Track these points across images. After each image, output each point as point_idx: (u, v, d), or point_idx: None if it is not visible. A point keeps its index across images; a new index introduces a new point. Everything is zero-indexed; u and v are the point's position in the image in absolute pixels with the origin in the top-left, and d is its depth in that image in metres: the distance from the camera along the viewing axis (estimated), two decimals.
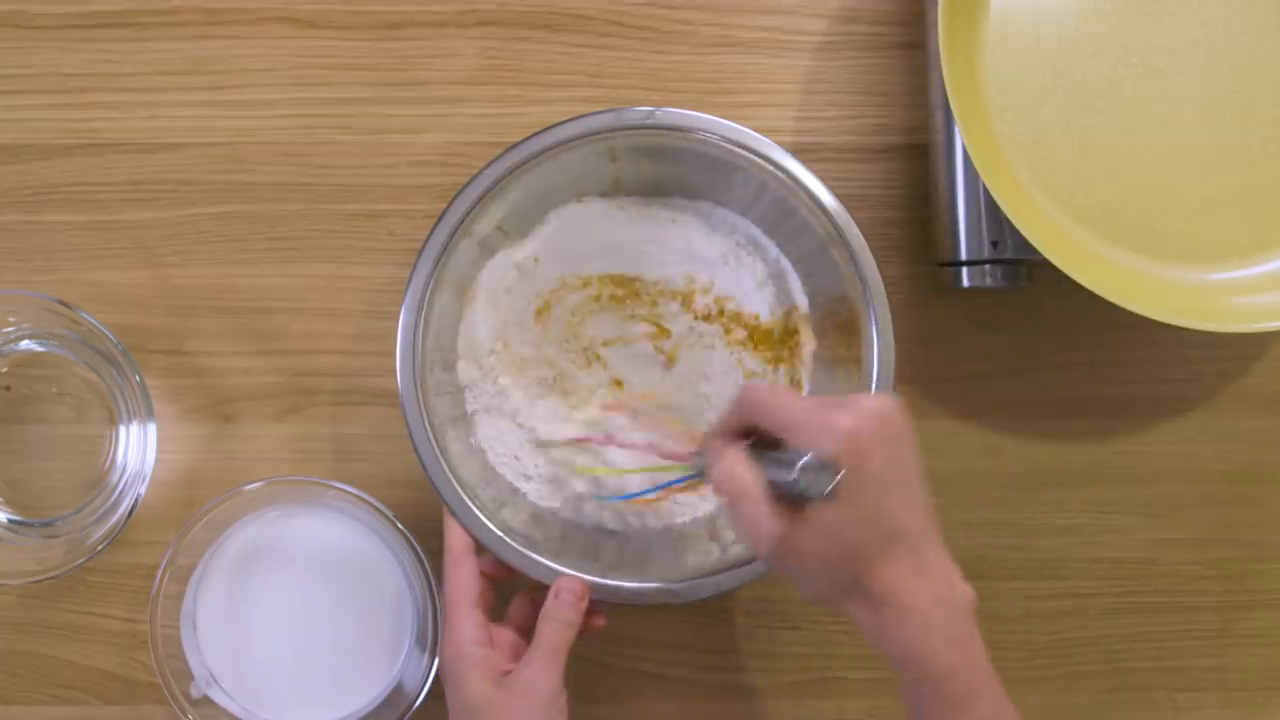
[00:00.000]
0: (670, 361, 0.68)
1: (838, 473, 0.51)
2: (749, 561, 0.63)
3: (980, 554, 0.73)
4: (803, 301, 0.68)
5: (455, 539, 0.62)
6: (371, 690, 0.70)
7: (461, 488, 0.63)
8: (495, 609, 0.64)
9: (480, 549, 0.63)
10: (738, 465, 0.54)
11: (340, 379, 0.73)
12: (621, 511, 0.67)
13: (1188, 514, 0.74)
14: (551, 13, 0.74)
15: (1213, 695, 0.74)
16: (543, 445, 0.67)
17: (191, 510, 0.69)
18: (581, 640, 0.62)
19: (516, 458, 0.68)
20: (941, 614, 0.53)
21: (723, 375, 0.68)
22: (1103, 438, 0.74)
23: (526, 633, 0.62)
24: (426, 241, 0.64)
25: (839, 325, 0.66)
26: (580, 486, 0.67)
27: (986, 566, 0.73)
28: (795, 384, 0.69)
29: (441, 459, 0.63)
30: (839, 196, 0.64)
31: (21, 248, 0.73)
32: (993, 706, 0.54)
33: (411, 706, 0.67)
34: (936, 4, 0.65)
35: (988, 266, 0.69)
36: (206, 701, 0.69)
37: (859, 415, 0.52)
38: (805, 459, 0.51)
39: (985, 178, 0.64)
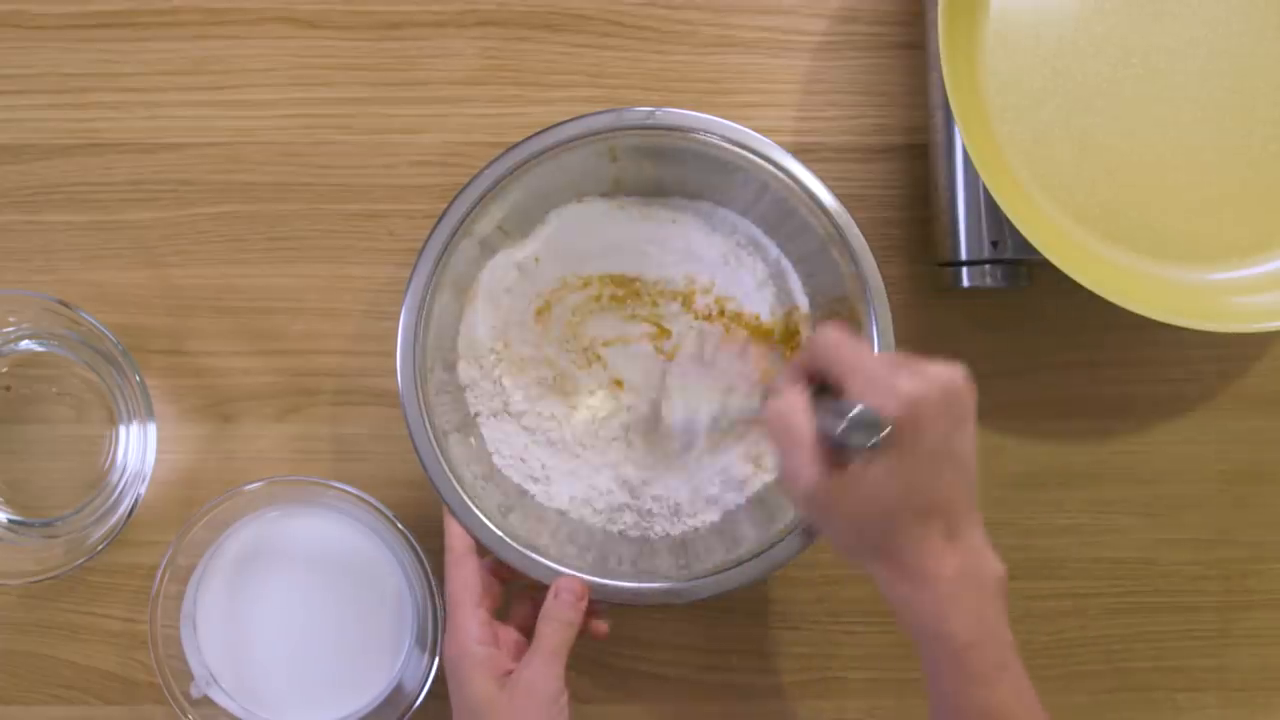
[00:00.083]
0: (671, 361, 0.68)
1: (887, 430, 0.50)
2: (749, 561, 0.63)
3: None
4: (803, 302, 0.68)
5: (456, 538, 0.62)
6: (371, 690, 0.70)
7: (461, 488, 0.63)
8: (501, 609, 0.64)
9: (481, 550, 0.63)
10: (795, 409, 0.53)
11: (340, 379, 0.73)
12: (641, 515, 0.67)
13: (1188, 514, 0.74)
14: (551, 13, 0.74)
15: (1213, 695, 0.74)
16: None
17: (191, 510, 0.69)
18: (582, 641, 0.62)
19: (522, 460, 0.68)
20: (966, 587, 0.53)
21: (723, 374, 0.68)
22: (1103, 438, 0.74)
23: (529, 633, 0.62)
24: (427, 241, 0.64)
25: (839, 325, 0.66)
26: (603, 483, 0.67)
27: None
28: None
29: (442, 459, 0.63)
30: (839, 196, 0.64)
31: (21, 248, 0.73)
32: (1013, 685, 0.54)
33: (411, 706, 0.67)
34: (936, 4, 0.65)
35: (988, 266, 0.69)
36: (206, 701, 0.69)
37: (924, 382, 0.51)
38: (855, 411, 0.50)
39: (985, 178, 0.64)
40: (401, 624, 0.70)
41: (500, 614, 0.63)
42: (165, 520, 0.71)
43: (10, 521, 0.72)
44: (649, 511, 0.67)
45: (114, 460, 0.72)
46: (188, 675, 0.69)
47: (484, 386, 0.68)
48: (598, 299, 0.69)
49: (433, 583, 0.67)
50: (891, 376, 0.51)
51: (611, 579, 0.63)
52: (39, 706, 0.72)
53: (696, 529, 0.67)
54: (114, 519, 0.68)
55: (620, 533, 0.68)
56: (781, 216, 0.67)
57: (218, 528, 0.70)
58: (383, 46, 0.73)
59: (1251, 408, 0.74)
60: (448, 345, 0.67)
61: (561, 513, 0.68)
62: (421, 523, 0.67)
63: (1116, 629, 0.74)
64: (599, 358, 0.69)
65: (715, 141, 0.64)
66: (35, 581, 0.69)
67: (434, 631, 0.67)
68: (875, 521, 0.53)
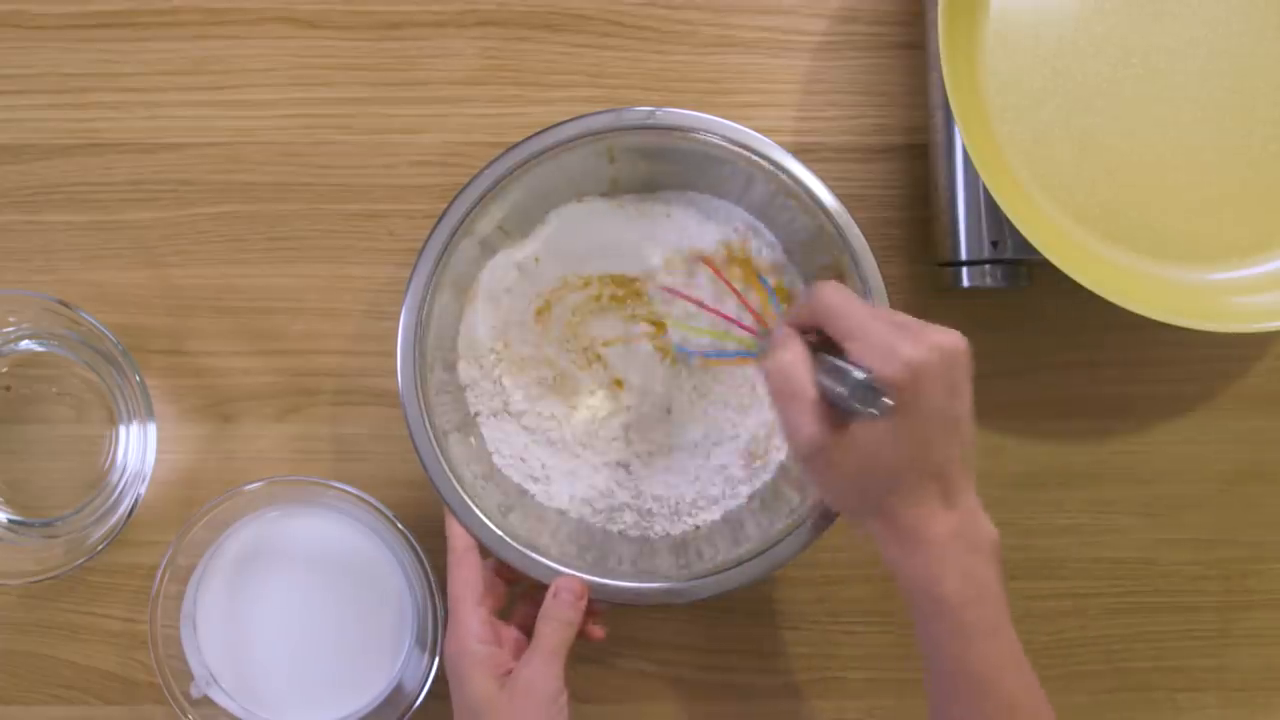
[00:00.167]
0: (672, 361, 0.68)
1: (890, 399, 0.51)
2: (750, 561, 0.63)
3: None
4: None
5: (457, 537, 0.62)
6: (371, 690, 0.70)
7: (461, 488, 0.63)
8: (504, 609, 0.64)
9: (482, 550, 0.63)
10: (796, 364, 0.54)
11: (340, 379, 0.73)
12: (641, 515, 0.67)
13: (1188, 514, 0.74)
14: (551, 13, 0.74)
15: (1213, 695, 0.74)
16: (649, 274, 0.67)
17: (191, 510, 0.69)
18: (581, 641, 0.62)
19: (522, 459, 0.68)
20: (960, 548, 0.53)
21: (724, 373, 0.68)
22: (1103, 438, 0.74)
23: (530, 632, 0.62)
24: (427, 241, 0.64)
25: (837, 283, 0.66)
26: (601, 482, 0.67)
27: None
28: None
29: (442, 459, 0.63)
30: (839, 196, 0.64)
31: (21, 248, 0.73)
32: (1007, 646, 0.54)
33: (411, 706, 0.67)
34: (936, 4, 0.65)
35: (988, 266, 0.69)
36: (206, 701, 0.69)
37: (925, 348, 0.51)
38: (861, 379, 0.51)
39: (985, 178, 0.64)
40: (401, 624, 0.70)
41: (503, 614, 0.63)
42: (165, 520, 0.71)
43: (10, 521, 0.72)
44: (649, 511, 0.67)
45: (114, 460, 0.72)
46: (188, 675, 0.69)
47: (484, 386, 0.68)
48: (598, 299, 0.69)
49: (433, 583, 0.67)
50: (893, 340, 0.51)
51: (611, 579, 0.63)
52: (39, 706, 0.72)
53: (697, 528, 0.67)
54: (114, 519, 0.68)
55: (620, 532, 0.68)
56: (781, 216, 0.67)
57: (218, 528, 0.70)
58: (383, 46, 0.73)
59: (1251, 408, 0.74)
60: (448, 345, 0.67)
61: (561, 513, 0.68)
62: (421, 523, 0.67)
63: (1116, 629, 0.74)
64: (599, 357, 0.69)
65: (715, 141, 0.64)
66: (35, 581, 0.69)
67: (434, 631, 0.67)
68: (873, 481, 0.54)
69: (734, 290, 0.66)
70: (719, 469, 0.68)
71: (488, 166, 0.64)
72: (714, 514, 0.68)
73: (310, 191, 0.73)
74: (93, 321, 0.68)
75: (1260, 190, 0.69)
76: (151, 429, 0.69)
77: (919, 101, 0.73)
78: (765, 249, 0.68)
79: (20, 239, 0.73)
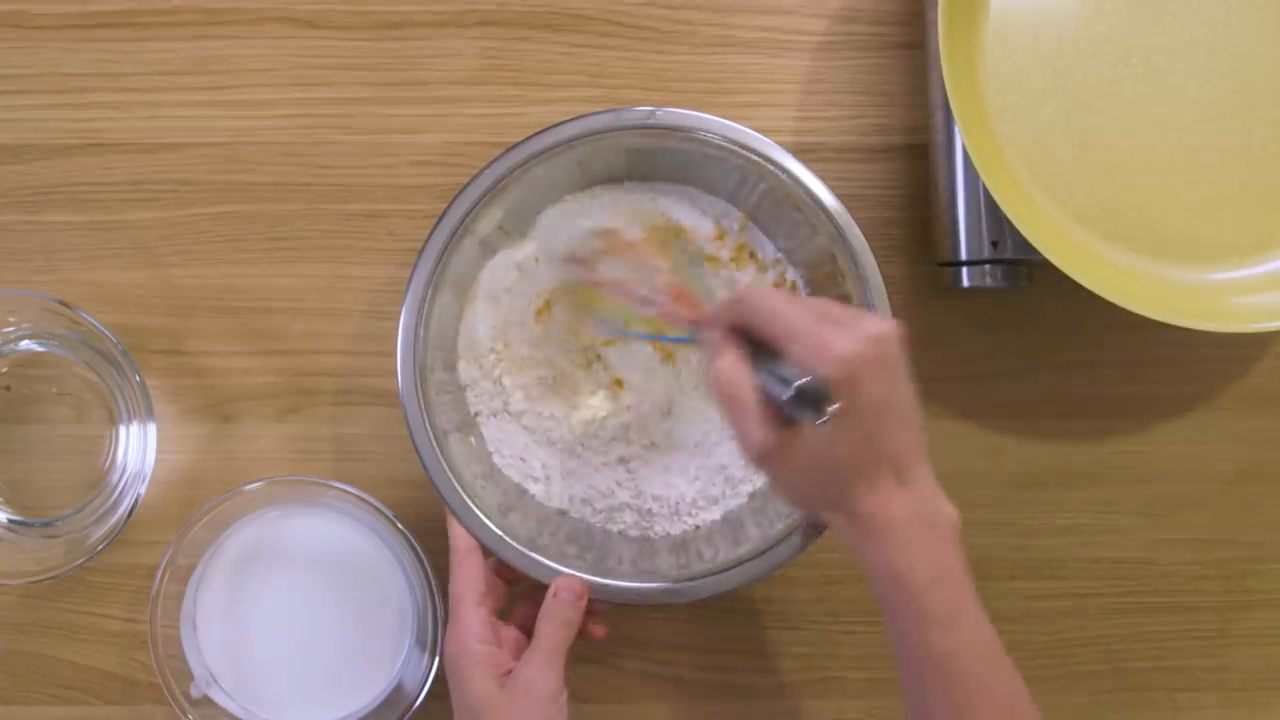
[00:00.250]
0: (672, 360, 0.68)
1: (832, 400, 0.51)
2: (749, 561, 0.63)
3: (980, 554, 0.73)
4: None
5: (459, 537, 0.62)
6: (371, 690, 0.70)
7: (461, 488, 0.63)
8: (504, 610, 0.64)
9: (483, 551, 0.63)
10: (734, 369, 0.53)
11: (340, 379, 0.73)
12: (641, 515, 0.67)
13: (1188, 514, 0.74)
14: (551, 13, 0.74)
15: (1213, 695, 0.74)
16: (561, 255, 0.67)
17: (191, 510, 0.69)
18: (581, 641, 0.62)
19: (522, 459, 0.68)
20: (920, 532, 0.54)
21: None
22: (1103, 438, 0.74)
23: (530, 632, 0.62)
24: (427, 241, 0.64)
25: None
26: (600, 480, 0.67)
27: (986, 566, 0.73)
28: None
29: (442, 459, 0.63)
30: (839, 196, 0.64)
31: (21, 248, 0.73)
32: (971, 627, 0.54)
33: (411, 706, 0.67)
34: (936, 4, 0.65)
35: (988, 266, 0.69)
36: (206, 701, 0.69)
37: (858, 341, 0.51)
38: (800, 383, 0.51)
39: (985, 178, 0.64)
40: (401, 624, 0.70)
41: (503, 614, 0.63)
42: (165, 520, 0.71)
43: (10, 521, 0.72)
44: (649, 511, 0.67)
45: (114, 460, 0.72)
46: (188, 675, 0.69)
47: (484, 386, 0.68)
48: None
49: (433, 583, 0.67)
50: (825, 338, 0.51)
51: (611, 579, 0.63)
52: (39, 706, 0.72)
53: (697, 528, 0.67)
54: (114, 519, 0.68)
55: (620, 532, 0.68)
56: (781, 216, 0.67)
57: (218, 528, 0.70)
58: (383, 46, 0.73)
59: (1252, 408, 0.74)
60: (448, 345, 0.67)
61: (561, 513, 0.68)
62: (421, 523, 0.67)
63: (1116, 629, 0.74)
64: (599, 357, 0.69)
65: (715, 141, 0.64)
66: (35, 581, 0.69)
67: (434, 631, 0.67)
68: (825, 476, 0.54)
69: (652, 268, 0.65)
70: (719, 469, 0.68)
71: (488, 166, 0.64)
72: (714, 514, 0.68)
73: (310, 191, 0.73)
74: (93, 321, 0.68)
75: (1260, 190, 0.69)
76: (151, 429, 0.69)
77: (919, 101, 0.73)
78: (764, 248, 0.68)
79: (20, 239, 0.73)
